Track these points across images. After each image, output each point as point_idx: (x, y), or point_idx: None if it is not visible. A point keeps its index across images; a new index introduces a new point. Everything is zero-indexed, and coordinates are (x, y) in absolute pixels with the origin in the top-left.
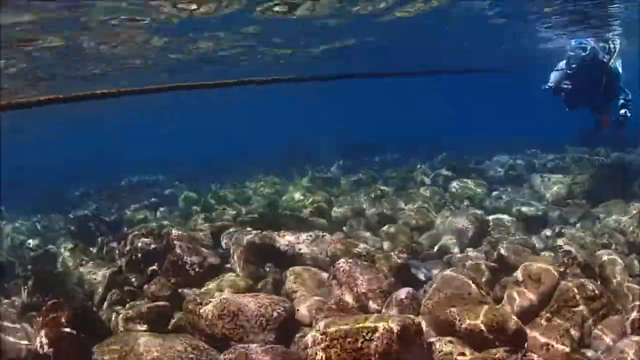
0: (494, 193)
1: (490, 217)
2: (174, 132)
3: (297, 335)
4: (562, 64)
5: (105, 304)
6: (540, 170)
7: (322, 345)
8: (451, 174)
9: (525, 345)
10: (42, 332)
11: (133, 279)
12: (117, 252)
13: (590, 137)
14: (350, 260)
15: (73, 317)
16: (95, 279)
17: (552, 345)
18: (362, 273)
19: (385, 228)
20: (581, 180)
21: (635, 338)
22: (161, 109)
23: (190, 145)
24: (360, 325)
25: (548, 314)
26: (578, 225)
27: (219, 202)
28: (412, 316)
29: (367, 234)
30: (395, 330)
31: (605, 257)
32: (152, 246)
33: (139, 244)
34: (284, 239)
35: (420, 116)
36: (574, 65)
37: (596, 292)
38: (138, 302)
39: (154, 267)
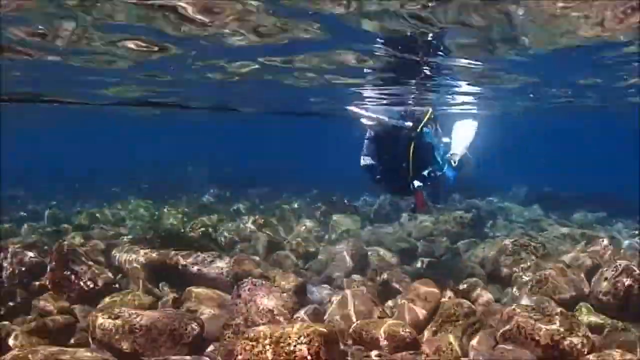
0: (369, 228)
1: (369, 249)
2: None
3: (209, 349)
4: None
5: None
6: (405, 210)
7: (255, 350)
8: (329, 209)
9: (422, 349)
10: None
11: (17, 294)
12: None
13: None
14: (255, 280)
15: None
16: None
17: (443, 351)
18: (267, 291)
19: (274, 255)
20: (442, 220)
21: (504, 346)
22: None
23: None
24: (289, 329)
25: (435, 327)
26: (443, 258)
27: (93, 220)
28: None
29: (257, 259)
30: (324, 334)
31: (472, 284)
32: (37, 260)
33: (23, 258)
34: (183, 259)
35: (290, 153)
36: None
37: (471, 309)
38: (29, 317)
39: (42, 282)
